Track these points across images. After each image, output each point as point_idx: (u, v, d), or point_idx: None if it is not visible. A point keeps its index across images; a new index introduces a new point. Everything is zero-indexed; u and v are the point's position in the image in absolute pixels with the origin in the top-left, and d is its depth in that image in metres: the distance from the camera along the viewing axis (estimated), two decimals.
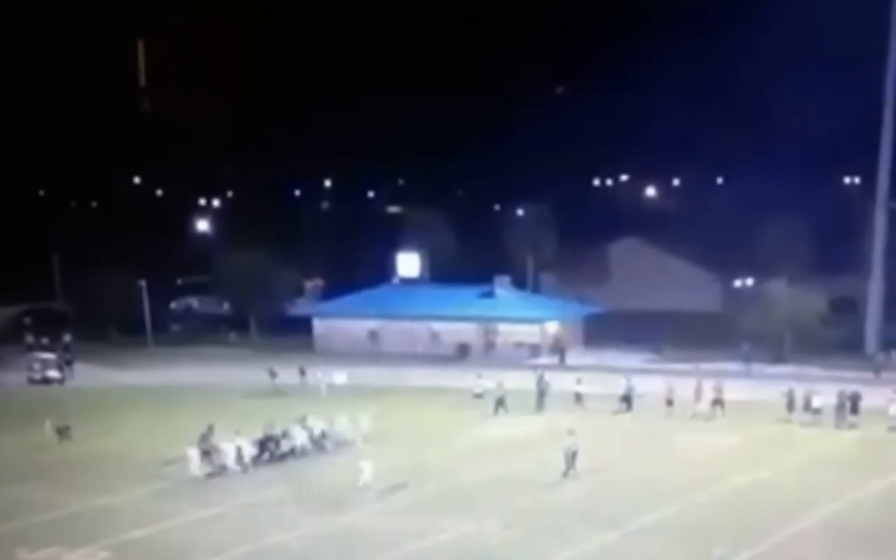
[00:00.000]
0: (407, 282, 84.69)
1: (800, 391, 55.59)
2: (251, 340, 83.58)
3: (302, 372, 64.81)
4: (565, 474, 43.72)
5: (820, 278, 76.77)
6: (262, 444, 47.84)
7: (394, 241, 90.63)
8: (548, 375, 60.65)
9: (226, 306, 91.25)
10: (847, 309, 78.45)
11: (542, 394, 58.76)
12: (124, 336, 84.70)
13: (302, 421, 49.74)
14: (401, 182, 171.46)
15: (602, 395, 58.69)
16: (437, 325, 78.06)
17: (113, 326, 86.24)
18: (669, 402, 56.77)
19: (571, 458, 43.86)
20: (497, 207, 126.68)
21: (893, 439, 51.47)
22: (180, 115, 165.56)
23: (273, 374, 64.39)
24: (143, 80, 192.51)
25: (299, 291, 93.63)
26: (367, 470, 41.98)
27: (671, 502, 40.77)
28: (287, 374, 64.32)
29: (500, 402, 57.68)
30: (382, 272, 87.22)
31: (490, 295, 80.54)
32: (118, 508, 41.98)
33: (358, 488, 41.47)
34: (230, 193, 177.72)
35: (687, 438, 51.28)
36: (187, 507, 41.62)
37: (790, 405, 55.34)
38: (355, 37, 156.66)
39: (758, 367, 68.59)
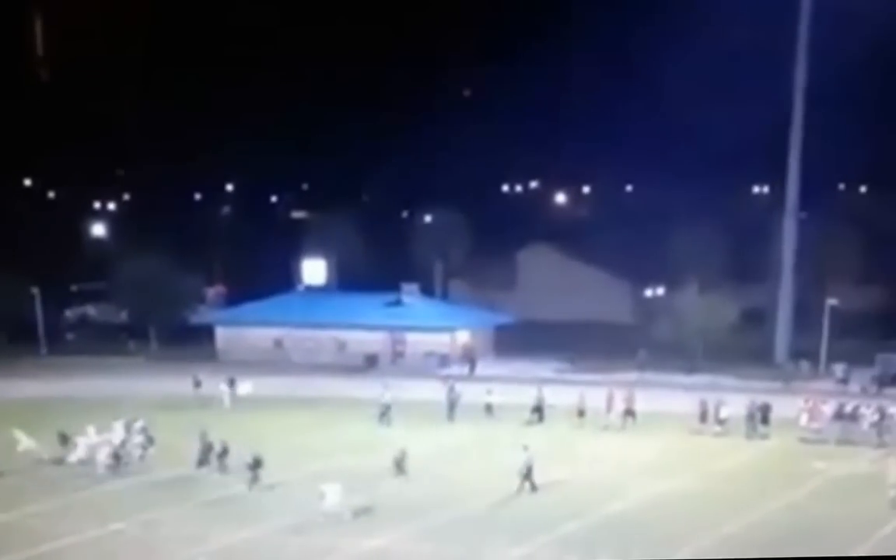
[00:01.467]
0: (313, 289, 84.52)
1: (712, 401, 56.76)
2: (151, 350, 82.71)
3: (197, 383, 64.16)
4: (519, 490, 43.43)
5: (731, 288, 78.25)
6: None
7: (299, 248, 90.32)
8: (458, 386, 60.98)
9: (124, 314, 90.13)
10: (757, 318, 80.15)
11: (452, 405, 59.07)
12: (15, 346, 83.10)
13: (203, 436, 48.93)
14: (305, 187, 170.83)
15: (513, 405, 59.12)
16: (344, 334, 78.07)
17: (3, 335, 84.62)
18: (581, 413, 57.48)
19: (527, 473, 43.71)
20: (405, 214, 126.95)
21: (803, 450, 52.65)
22: (74, 116, 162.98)
23: (197, 384, 63.81)
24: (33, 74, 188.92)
25: (201, 299, 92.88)
26: (331, 493, 40.73)
27: (585, 514, 41.30)
28: (212, 384, 63.51)
29: (384, 412, 57.72)
30: (287, 279, 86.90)
31: (398, 303, 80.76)
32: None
33: (325, 513, 40.30)
34: (127, 196, 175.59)
35: (598, 449, 51.91)
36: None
37: (703, 416, 56.42)
38: (256, 37, 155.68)
39: (659, 376, 69.63)
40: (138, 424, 49.89)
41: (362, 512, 41.18)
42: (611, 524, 40.03)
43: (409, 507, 42.19)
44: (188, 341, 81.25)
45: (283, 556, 37.76)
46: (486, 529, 39.67)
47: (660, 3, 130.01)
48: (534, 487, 43.30)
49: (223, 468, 46.82)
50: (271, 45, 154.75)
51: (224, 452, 47.03)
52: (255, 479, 44.43)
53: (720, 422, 55.70)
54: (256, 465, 44.58)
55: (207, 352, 79.50)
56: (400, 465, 45.40)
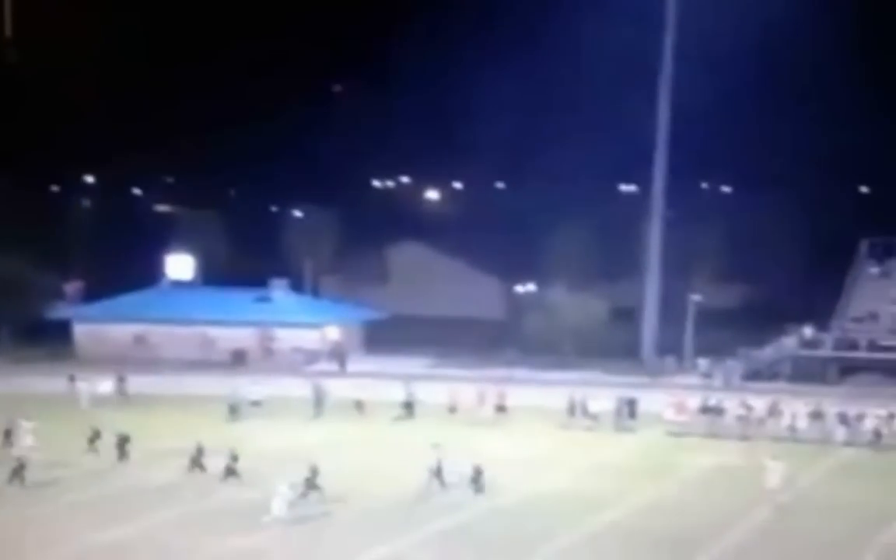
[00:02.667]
0: (178, 285, 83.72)
1: (579, 396, 57.99)
2: (4, 347, 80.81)
3: (71, 378, 63.24)
4: (427, 491, 43.03)
5: (600, 285, 79.99)
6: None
7: (163, 242, 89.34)
8: (328, 382, 61.13)
9: None
10: (625, 315, 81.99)
11: (319, 401, 59.20)
12: None
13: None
14: (170, 180, 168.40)
15: (383, 401, 59.50)
16: (212, 331, 77.54)
17: None
18: (452, 409, 58.14)
19: (437, 472, 43.46)
20: (273, 209, 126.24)
21: (670, 443, 54.05)
22: None
23: (72, 379, 62.69)
24: None
25: (58, 294, 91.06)
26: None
27: (454, 512, 41.80)
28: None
29: (233, 409, 57.70)
30: (151, 274, 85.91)
31: (266, 299, 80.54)
32: None
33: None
34: None
35: (469, 445, 52.35)
36: None
37: (571, 410, 57.61)
38: (120, 29, 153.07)
39: (529, 372, 70.76)
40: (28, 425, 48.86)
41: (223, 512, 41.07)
42: (481, 520, 40.51)
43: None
44: (44, 338, 79.63)
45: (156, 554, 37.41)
46: (346, 526, 39.73)
47: (532, 2, 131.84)
48: (442, 484, 43.31)
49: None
50: (136, 42, 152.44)
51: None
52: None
53: (591, 416, 56.89)
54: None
55: (65, 349, 78.03)
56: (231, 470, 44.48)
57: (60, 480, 44.72)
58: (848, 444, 52.85)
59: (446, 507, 41.44)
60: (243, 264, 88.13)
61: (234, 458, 44.22)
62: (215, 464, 44.51)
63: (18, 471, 43.58)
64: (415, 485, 43.18)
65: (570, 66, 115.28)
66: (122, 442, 47.69)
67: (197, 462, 45.32)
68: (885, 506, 42.34)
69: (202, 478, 44.59)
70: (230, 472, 43.91)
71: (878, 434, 53.10)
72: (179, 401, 62.40)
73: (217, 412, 57.32)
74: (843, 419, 54.09)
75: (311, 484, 41.27)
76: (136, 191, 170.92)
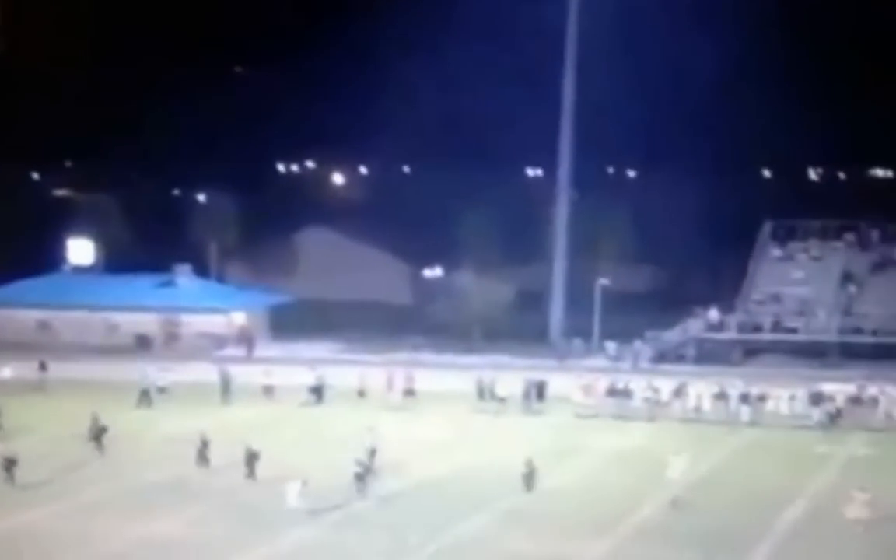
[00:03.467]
0: (79, 270, 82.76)
1: (488, 380, 58.47)
2: None
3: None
4: (361, 473, 42.39)
5: (507, 269, 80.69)
6: None
7: (64, 227, 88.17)
8: (234, 367, 60.91)
9: None
10: (533, 299, 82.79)
11: (226, 387, 58.94)
12: None
13: None
14: (68, 164, 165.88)
15: (291, 386, 59.43)
16: (115, 316, 76.77)
17: None
18: (361, 393, 58.30)
19: (370, 455, 43.36)
20: (176, 193, 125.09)
21: (579, 424, 54.76)
22: None
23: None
24: None
25: None
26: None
27: (365, 495, 42.00)
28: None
29: (143, 394, 57.38)
30: (52, 259, 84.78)
31: (170, 284, 79.97)
32: None
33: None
34: None
35: (379, 429, 52.51)
36: None
37: (480, 393, 58.08)
38: (21, 12, 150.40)
39: (438, 356, 71.17)
40: None
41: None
42: (389, 503, 40.78)
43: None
44: None
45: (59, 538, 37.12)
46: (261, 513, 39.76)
47: None
48: (369, 470, 43.22)
49: None
50: (36, 21, 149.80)
51: None
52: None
53: (499, 399, 57.37)
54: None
55: None
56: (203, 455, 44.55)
57: None
58: (752, 424, 53.97)
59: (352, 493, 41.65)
60: (145, 249, 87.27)
61: (205, 443, 44.67)
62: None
63: None
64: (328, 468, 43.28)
65: (475, 49, 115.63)
66: None
67: (203, 455, 45.01)
68: (787, 488, 43.24)
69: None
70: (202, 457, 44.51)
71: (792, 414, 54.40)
72: (85, 386, 61.60)
73: (125, 398, 56.80)
74: (747, 399, 55.18)
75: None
76: (35, 175, 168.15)
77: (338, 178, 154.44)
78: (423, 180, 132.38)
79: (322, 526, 38.18)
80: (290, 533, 37.18)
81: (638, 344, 72.81)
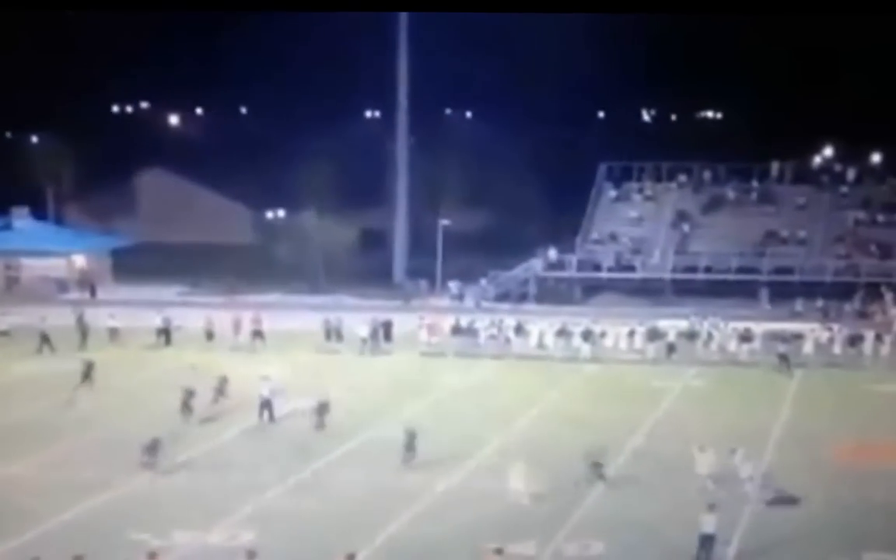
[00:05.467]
0: None
1: (334, 321, 59.42)
2: None
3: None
4: (271, 419, 43.61)
5: (350, 210, 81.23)
6: None
7: None
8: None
9: None
10: (376, 240, 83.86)
11: (84, 331, 58.50)
12: None
13: None
14: None
15: (137, 329, 59.34)
16: None
17: None
18: (210, 336, 58.56)
19: (268, 405, 44.03)
20: (8, 135, 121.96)
21: (424, 363, 56.00)
22: None
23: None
24: None
25: None
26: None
27: (217, 435, 42.67)
28: None
29: (44, 339, 56.90)
30: None
31: (8, 228, 78.63)
32: None
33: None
34: None
35: (228, 372, 52.92)
36: None
37: (328, 334, 58.98)
38: None
39: (284, 297, 71.59)
40: None
41: None
42: (241, 442, 41.51)
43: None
44: None
45: None
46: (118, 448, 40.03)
47: None
48: (272, 418, 43.81)
49: None
50: None
51: None
52: None
53: (345, 340, 58.35)
54: None
55: None
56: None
57: None
58: (593, 360, 55.91)
59: (206, 433, 42.24)
60: None
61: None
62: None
63: None
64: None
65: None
66: None
67: (221, 391, 45.87)
68: (627, 419, 45.20)
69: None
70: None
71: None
72: None
73: None
74: (588, 337, 57.12)
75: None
76: None
77: (174, 120, 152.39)
78: (262, 121, 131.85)
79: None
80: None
81: (483, 283, 74.35)
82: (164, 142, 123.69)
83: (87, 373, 48.09)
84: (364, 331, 58.31)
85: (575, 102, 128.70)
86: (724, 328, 57.65)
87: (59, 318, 60.07)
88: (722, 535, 31.38)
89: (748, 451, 37.49)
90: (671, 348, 56.32)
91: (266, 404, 44.37)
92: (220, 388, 45.94)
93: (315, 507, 35.15)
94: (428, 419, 43.85)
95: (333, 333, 59.32)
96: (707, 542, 30.90)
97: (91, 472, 37.90)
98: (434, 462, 39.01)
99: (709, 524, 31.11)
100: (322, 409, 43.49)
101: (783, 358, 53.89)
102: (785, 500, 35.27)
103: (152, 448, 37.90)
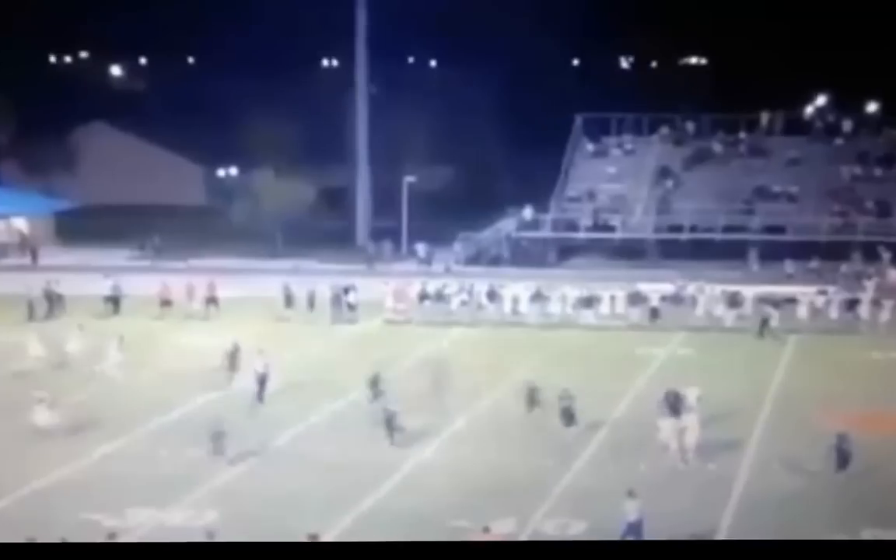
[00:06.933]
0: None
1: (294, 286, 59.09)
2: None
3: None
4: (260, 399, 43.42)
5: (308, 168, 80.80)
6: None
7: None
8: (20, 276, 60.35)
9: None
10: (337, 199, 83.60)
11: (57, 298, 58.27)
12: None
13: None
14: None
15: (84, 296, 59.10)
16: None
17: None
18: (166, 303, 58.21)
19: (262, 381, 43.73)
20: None
21: (390, 330, 56.15)
22: None
23: None
24: None
25: None
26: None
27: (177, 405, 42.82)
28: None
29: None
30: None
31: None
32: None
33: None
34: None
35: (182, 340, 53.07)
36: None
37: (288, 300, 58.66)
38: None
39: (240, 261, 71.48)
40: None
41: None
42: (203, 416, 41.66)
43: None
44: None
45: None
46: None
47: None
48: (260, 399, 43.62)
49: None
50: None
51: None
52: None
53: (306, 306, 58.19)
54: None
55: None
56: None
57: None
58: (571, 325, 56.13)
59: (163, 404, 42.39)
60: None
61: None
62: None
63: None
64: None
65: None
66: None
67: (234, 358, 45.92)
68: (610, 392, 45.44)
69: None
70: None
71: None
72: None
73: None
74: (589, 303, 57.20)
75: None
76: None
77: (116, 71, 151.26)
78: (210, 73, 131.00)
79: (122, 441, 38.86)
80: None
81: (454, 245, 74.22)
82: (107, 94, 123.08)
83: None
84: (315, 296, 58.26)
85: (547, 49, 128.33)
86: (709, 292, 57.71)
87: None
88: (714, 512, 31.84)
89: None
90: (655, 313, 56.66)
91: (262, 380, 43.77)
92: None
93: (276, 483, 35.41)
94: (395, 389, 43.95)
95: (294, 300, 59.08)
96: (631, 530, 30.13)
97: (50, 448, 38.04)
98: (408, 436, 39.31)
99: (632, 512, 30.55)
100: (262, 379, 43.60)
101: (764, 322, 54.15)
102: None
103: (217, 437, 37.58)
